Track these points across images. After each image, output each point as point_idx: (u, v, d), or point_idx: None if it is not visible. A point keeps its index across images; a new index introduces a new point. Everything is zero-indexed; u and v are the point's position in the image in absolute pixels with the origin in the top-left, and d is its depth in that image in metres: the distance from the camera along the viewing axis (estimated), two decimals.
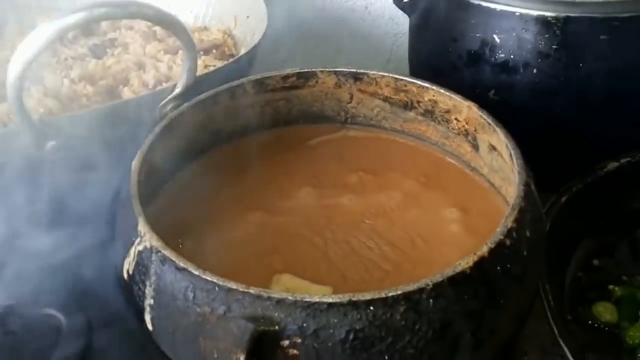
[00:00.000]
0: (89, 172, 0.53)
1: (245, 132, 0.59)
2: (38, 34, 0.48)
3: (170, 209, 0.53)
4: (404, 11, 0.73)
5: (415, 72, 0.73)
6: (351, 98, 0.61)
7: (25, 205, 0.51)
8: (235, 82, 0.57)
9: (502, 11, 0.62)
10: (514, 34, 0.62)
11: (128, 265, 0.45)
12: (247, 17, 0.73)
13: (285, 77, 0.59)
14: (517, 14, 0.61)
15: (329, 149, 0.60)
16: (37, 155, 0.52)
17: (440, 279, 0.39)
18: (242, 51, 0.70)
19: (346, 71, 0.59)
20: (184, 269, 0.40)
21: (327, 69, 0.59)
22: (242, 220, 0.53)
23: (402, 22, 0.73)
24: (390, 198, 0.55)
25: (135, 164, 0.49)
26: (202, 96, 0.56)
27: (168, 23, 0.51)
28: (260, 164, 0.58)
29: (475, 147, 0.56)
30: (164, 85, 0.67)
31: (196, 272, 0.40)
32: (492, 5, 0.62)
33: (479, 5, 0.63)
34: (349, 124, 0.62)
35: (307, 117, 0.61)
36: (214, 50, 0.72)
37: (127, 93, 0.66)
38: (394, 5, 0.74)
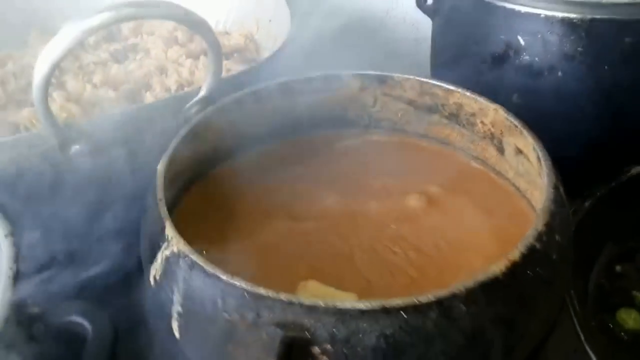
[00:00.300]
0: (113, 176, 0.53)
1: (268, 136, 0.59)
2: (65, 35, 0.47)
3: (194, 214, 0.53)
4: (427, 14, 0.72)
5: (437, 76, 0.72)
6: (375, 102, 0.60)
7: (50, 209, 0.51)
8: (260, 86, 0.57)
9: (527, 13, 0.62)
10: (538, 36, 0.61)
11: (155, 271, 0.44)
12: (270, 21, 0.73)
13: (310, 81, 0.59)
14: (542, 16, 0.61)
15: (352, 153, 0.60)
16: (61, 159, 0.52)
17: (473, 285, 0.38)
18: (264, 55, 0.70)
19: (371, 74, 0.59)
20: (213, 275, 0.40)
21: (352, 72, 0.59)
22: (266, 227, 0.53)
23: (423, 27, 0.73)
24: (414, 203, 0.55)
25: (160, 167, 0.49)
26: (226, 99, 0.55)
27: (195, 24, 0.51)
28: (284, 169, 0.58)
29: (501, 150, 0.56)
30: (186, 89, 0.66)
31: (226, 278, 0.39)
32: (516, 7, 0.62)
33: (504, 7, 0.63)
34: (372, 128, 0.62)
35: (331, 121, 0.61)
36: (236, 55, 0.72)
37: (149, 98, 0.65)
38: (415, 10, 0.74)
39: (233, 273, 0.40)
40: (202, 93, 0.55)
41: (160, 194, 0.46)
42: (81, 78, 0.68)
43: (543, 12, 0.61)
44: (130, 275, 0.48)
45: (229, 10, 0.77)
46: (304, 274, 0.48)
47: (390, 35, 0.86)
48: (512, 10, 0.62)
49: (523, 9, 0.62)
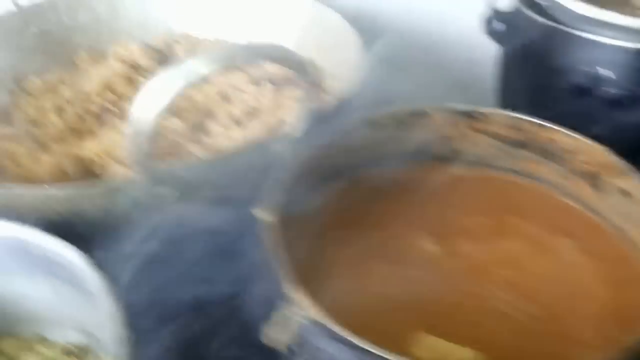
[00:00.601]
0: (204, 222, 0.51)
1: (356, 174, 0.57)
2: (171, 83, 0.45)
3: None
4: (498, 41, 0.70)
5: (506, 105, 0.71)
6: (461, 136, 0.58)
7: (142, 259, 0.49)
8: (348, 124, 0.55)
9: (608, 45, 0.60)
10: (621, 68, 0.60)
11: (275, 333, 0.42)
12: (332, 44, 0.70)
13: (396, 115, 0.57)
14: (623, 47, 0.60)
15: (439, 189, 0.57)
16: (151, 204, 0.50)
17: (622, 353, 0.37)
18: (328, 81, 0.68)
19: (458, 108, 0.57)
20: (356, 346, 0.38)
21: (438, 106, 0.57)
22: (366, 272, 0.51)
23: (482, 50, 0.71)
24: (514, 244, 0.53)
25: (271, 219, 0.46)
26: (320, 141, 0.53)
27: (297, 65, 0.49)
28: (373, 207, 0.56)
29: (597, 187, 0.54)
30: (252, 120, 0.64)
31: (372, 350, 0.38)
32: (598, 38, 0.60)
33: (584, 38, 0.61)
34: (457, 163, 0.59)
35: (415, 156, 0.59)
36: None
37: (215, 128, 0.63)
38: (474, 32, 0.72)
39: (340, 324, 0.39)
40: (295, 134, 0.53)
41: (276, 251, 0.44)
42: None
43: (625, 44, 0.60)
44: (237, 329, 0.46)
45: (289, 36, 0.74)
46: (413, 324, 0.47)
47: (445, 55, 0.84)
48: (593, 41, 0.61)
49: (605, 40, 0.60)
